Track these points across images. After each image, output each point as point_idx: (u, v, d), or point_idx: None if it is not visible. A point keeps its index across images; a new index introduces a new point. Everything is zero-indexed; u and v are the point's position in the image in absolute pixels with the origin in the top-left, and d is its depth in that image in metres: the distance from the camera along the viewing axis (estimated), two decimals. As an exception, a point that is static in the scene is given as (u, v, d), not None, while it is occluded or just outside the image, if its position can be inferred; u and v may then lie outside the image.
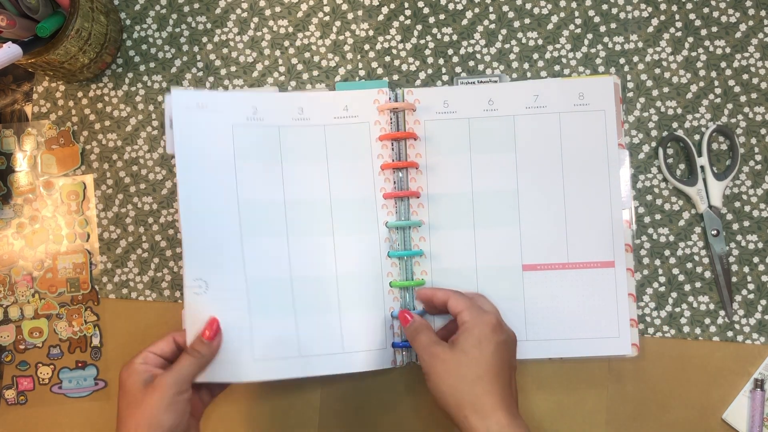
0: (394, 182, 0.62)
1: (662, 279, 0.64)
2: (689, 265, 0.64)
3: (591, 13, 0.66)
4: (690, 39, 0.65)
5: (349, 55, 0.66)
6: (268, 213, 0.60)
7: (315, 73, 0.66)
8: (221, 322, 0.56)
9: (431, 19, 0.66)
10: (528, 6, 0.66)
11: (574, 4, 0.66)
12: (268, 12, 0.67)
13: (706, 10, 0.65)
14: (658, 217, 0.64)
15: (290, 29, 0.67)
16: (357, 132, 0.62)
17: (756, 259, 0.63)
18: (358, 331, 0.61)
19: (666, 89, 0.65)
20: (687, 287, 0.63)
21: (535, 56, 0.65)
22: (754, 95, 0.64)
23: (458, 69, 0.66)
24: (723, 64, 0.65)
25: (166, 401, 0.51)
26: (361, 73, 0.66)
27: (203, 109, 0.59)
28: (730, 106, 0.64)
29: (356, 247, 0.62)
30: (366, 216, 0.62)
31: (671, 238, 0.64)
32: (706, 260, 0.63)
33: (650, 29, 0.65)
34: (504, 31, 0.66)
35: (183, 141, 0.58)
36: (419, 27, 0.66)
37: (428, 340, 0.55)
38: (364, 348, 0.61)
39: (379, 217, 0.62)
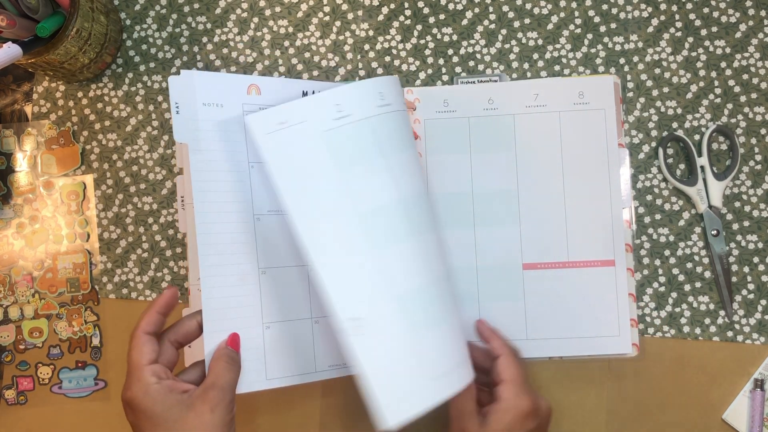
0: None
1: (662, 279, 0.63)
2: (689, 265, 0.64)
3: (591, 13, 0.66)
4: (690, 39, 0.65)
5: (349, 55, 0.66)
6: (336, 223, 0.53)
7: (315, 73, 0.66)
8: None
9: (431, 19, 0.66)
10: (528, 6, 0.66)
11: (574, 4, 0.66)
12: (268, 12, 0.67)
13: (706, 10, 0.65)
14: (658, 217, 0.64)
15: (290, 29, 0.67)
16: (403, 122, 0.58)
17: (756, 259, 0.63)
18: None
19: (666, 89, 0.65)
20: (687, 287, 0.63)
21: (535, 56, 0.65)
22: (754, 95, 0.64)
23: (458, 69, 0.66)
24: (723, 64, 0.65)
25: (226, 420, 0.46)
26: (361, 73, 0.66)
27: (285, 127, 0.54)
28: (730, 106, 0.64)
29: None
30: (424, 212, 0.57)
31: (671, 238, 0.64)
32: (706, 260, 0.63)
33: (650, 29, 0.65)
34: (504, 31, 0.66)
35: (279, 169, 0.53)
36: (419, 27, 0.66)
37: (464, 408, 0.52)
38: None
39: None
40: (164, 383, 0.46)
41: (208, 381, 0.48)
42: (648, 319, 0.63)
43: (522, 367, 0.55)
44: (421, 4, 0.66)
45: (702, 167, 0.63)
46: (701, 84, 0.65)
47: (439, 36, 0.66)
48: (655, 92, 0.65)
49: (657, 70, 0.65)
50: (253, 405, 0.64)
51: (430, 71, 0.66)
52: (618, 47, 0.65)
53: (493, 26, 0.66)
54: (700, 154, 0.64)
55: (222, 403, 0.46)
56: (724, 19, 0.65)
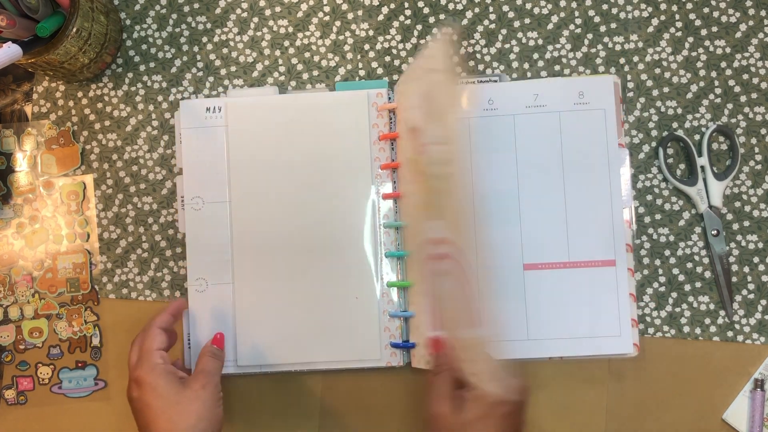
0: (393, 182, 0.62)
1: (662, 279, 0.64)
2: (689, 265, 0.64)
3: (591, 13, 0.66)
4: (690, 39, 0.65)
5: (349, 55, 0.66)
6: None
7: (315, 73, 0.66)
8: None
9: (431, 19, 0.66)
10: (528, 6, 0.66)
11: (574, 4, 0.66)
12: (268, 12, 0.67)
13: (706, 10, 0.65)
14: (658, 217, 0.64)
15: (290, 29, 0.67)
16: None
17: (756, 259, 0.63)
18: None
19: (666, 89, 0.65)
20: (687, 287, 0.63)
21: (535, 56, 0.65)
22: (754, 95, 0.64)
23: (458, 69, 0.66)
24: (723, 64, 0.65)
25: (215, 397, 0.55)
26: (361, 73, 0.66)
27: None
28: (730, 106, 0.64)
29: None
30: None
31: (671, 238, 0.64)
32: (706, 260, 0.63)
33: (650, 29, 0.65)
34: (504, 31, 0.66)
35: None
36: (419, 27, 0.66)
37: (440, 391, 0.53)
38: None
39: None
40: (167, 366, 0.56)
41: (197, 369, 0.57)
42: (648, 319, 0.63)
43: (488, 356, 0.54)
44: (421, 4, 0.66)
45: (702, 167, 0.63)
46: (701, 84, 0.65)
47: (439, 36, 0.66)
48: (655, 92, 0.65)
49: (657, 70, 0.65)
50: (253, 400, 0.64)
51: (430, 71, 0.66)
52: (618, 47, 0.65)
53: (493, 26, 0.66)
54: (700, 154, 0.64)
55: (210, 383, 0.56)
56: (724, 19, 0.65)
